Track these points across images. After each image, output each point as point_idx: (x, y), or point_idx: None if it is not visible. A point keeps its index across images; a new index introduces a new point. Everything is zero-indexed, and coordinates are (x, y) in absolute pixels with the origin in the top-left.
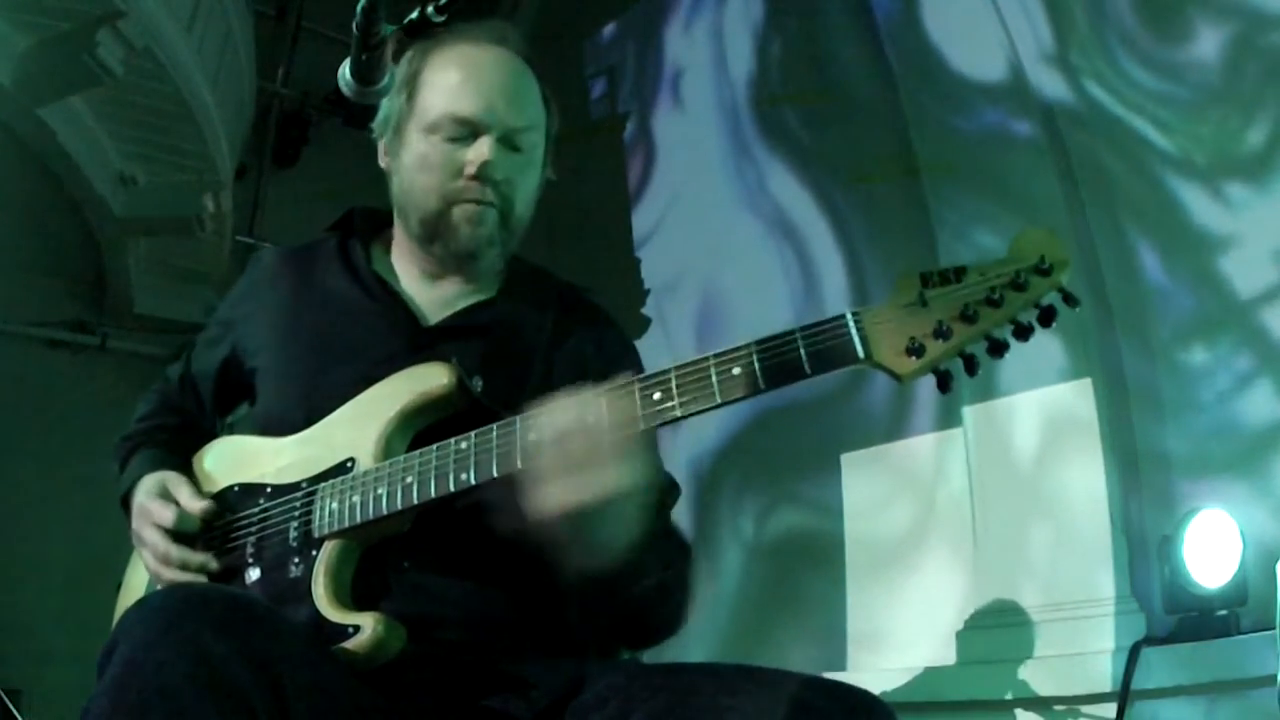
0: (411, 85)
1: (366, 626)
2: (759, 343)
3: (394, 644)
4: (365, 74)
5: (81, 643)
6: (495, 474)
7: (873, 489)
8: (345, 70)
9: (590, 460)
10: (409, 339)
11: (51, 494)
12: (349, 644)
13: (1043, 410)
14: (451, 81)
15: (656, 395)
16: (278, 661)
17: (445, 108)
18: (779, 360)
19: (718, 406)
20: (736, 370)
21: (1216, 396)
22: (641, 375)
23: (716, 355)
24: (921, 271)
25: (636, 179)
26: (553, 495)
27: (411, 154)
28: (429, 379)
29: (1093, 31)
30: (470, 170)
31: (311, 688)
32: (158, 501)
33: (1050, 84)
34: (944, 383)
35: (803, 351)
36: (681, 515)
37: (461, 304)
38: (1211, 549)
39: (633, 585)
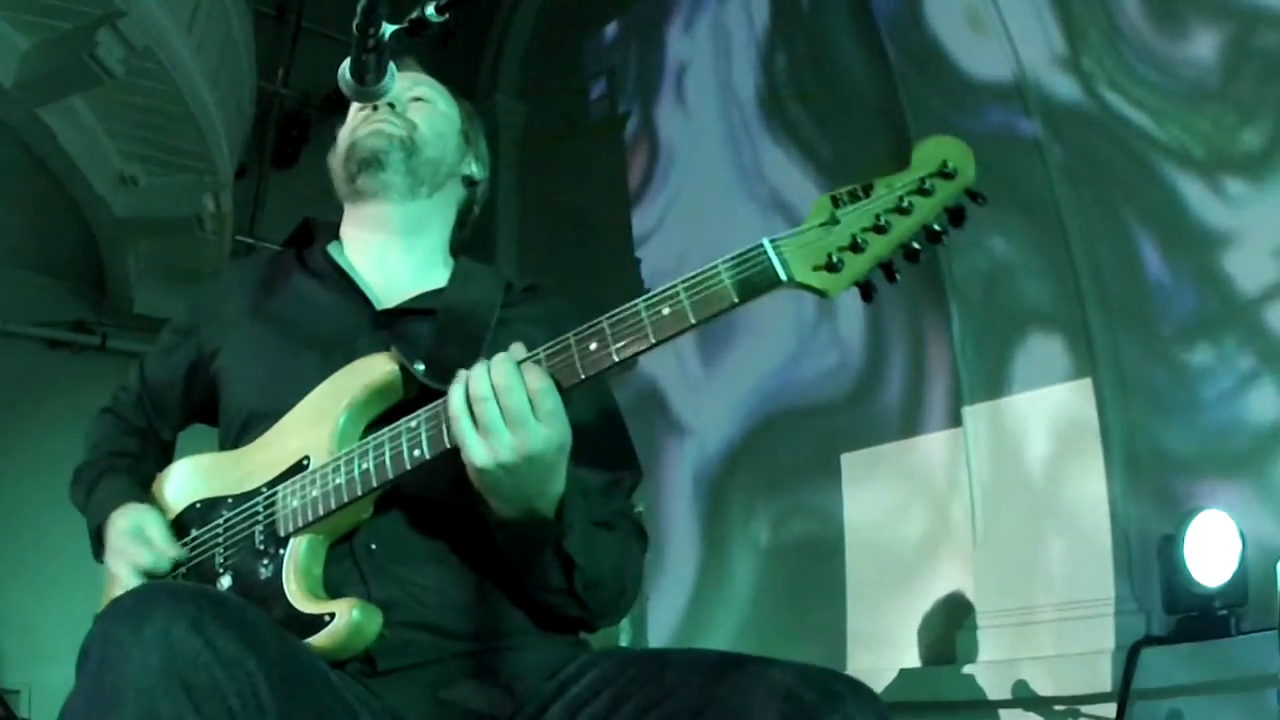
0: None
1: (341, 613)
2: (685, 280)
3: (370, 628)
4: (365, 74)
5: (80, 643)
6: (448, 444)
7: (873, 490)
8: (345, 70)
9: (530, 415)
10: (367, 321)
11: (51, 494)
12: (325, 632)
13: (1044, 410)
14: None
15: (593, 345)
16: (251, 656)
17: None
18: (706, 292)
19: (653, 346)
20: (666, 310)
21: (1218, 396)
22: (576, 329)
23: (646, 298)
24: (831, 193)
25: (638, 178)
26: (496, 449)
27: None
28: (371, 370)
29: (1094, 29)
30: (364, 106)
31: (287, 681)
32: (128, 539)
33: (1050, 82)
34: (867, 293)
35: (727, 281)
36: (687, 517)
37: (413, 291)
38: (1211, 549)
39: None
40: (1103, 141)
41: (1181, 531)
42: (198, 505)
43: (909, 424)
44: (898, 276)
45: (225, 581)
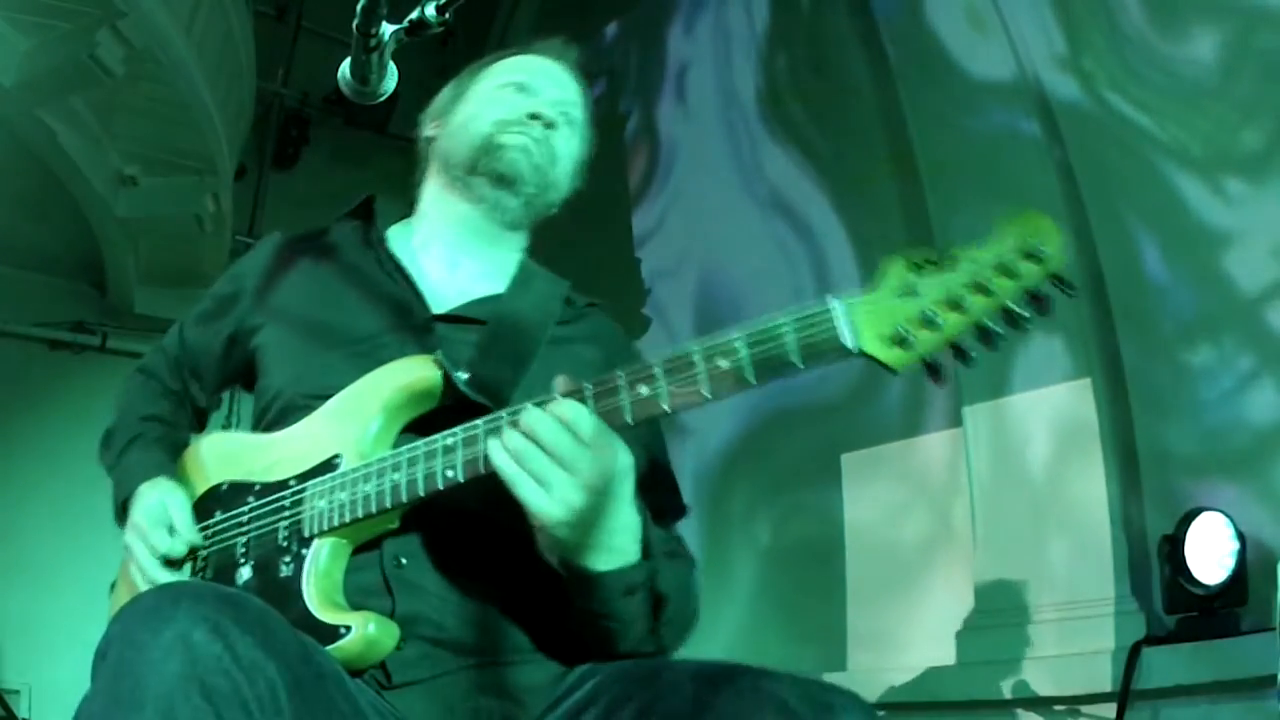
0: (473, 76)
1: (356, 626)
2: (746, 332)
3: (386, 642)
4: (365, 74)
5: (82, 642)
6: (482, 470)
7: (874, 490)
8: (345, 70)
9: (577, 448)
10: (416, 321)
11: (51, 493)
12: (339, 644)
13: (1043, 410)
14: (510, 63)
15: (644, 391)
16: (271, 660)
17: (506, 77)
18: (767, 352)
19: (707, 402)
20: (725, 364)
21: (1218, 396)
22: (628, 369)
23: (703, 345)
24: (909, 257)
25: (638, 178)
26: (563, 497)
27: (471, 102)
28: (412, 372)
29: (1094, 29)
30: (527, 109)
31: (304, 685)
32: (150, 519)
33: (1051, 82)
34: (935, 373)
35: (790, 343)
36: (688, 517)
37: (470, 295)
38: (1211, 549)
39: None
40: (1103, 141)
41: (1181, 531)
42: (224, 487)
43: (909, 424)
44: (970, 362)
45: (245, 573)
